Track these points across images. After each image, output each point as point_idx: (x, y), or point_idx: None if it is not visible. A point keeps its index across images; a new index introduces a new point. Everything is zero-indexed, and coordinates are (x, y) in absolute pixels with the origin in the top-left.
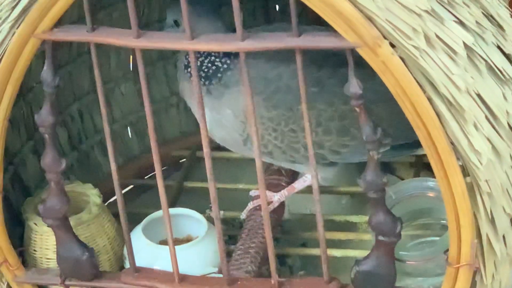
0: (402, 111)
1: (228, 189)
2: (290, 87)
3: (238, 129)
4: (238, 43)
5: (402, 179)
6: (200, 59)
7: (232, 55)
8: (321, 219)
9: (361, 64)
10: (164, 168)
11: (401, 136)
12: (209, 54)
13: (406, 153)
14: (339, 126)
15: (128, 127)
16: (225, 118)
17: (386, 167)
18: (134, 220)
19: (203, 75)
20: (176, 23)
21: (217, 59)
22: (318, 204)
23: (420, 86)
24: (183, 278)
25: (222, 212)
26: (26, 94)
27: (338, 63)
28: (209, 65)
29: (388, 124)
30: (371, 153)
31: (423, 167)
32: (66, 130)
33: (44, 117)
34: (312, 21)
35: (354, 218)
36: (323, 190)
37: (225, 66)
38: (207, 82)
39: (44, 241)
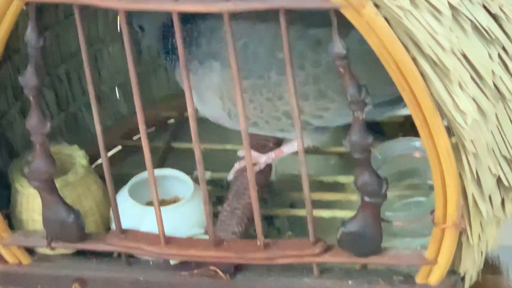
0: (380, 67)
1: (216, 150)
2: (257, 54)
3: (219, 106)
4: (222, 3)
5: (390, 138)
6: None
7: (193, 23)
8: (306, 181)
9: (340, 22)
10: (152, 129)
11: (381, 93)
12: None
13: (389, 110)
14: (315, 89)
15: (116, 88)
16: (206, 98)
17: (374, 128)
18: (122, 181)
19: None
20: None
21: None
22: (304, 166)
23: (405, 46)
24: (169, 239)
25: (209, 173)
26: (13, 56)
27: (306, 25)
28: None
29: (368, 81)
30: (355, 113)
31: (411, 127)
32: (53, 92)
33: (29, 79)
34: None
35: (342, 179)
36: (311, 150)
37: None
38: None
39: (30, 203)
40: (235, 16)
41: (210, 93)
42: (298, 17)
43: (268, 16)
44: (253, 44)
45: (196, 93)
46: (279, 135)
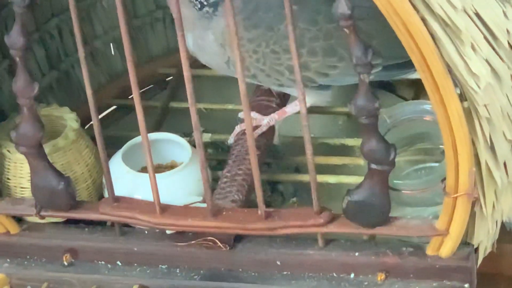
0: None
1: (217, 110)
2: (270, 4)
3: (218, 53)
4: None
5: (402, 99)
6: None
7: None
8: (310, 146)
9: None
10: (149, 87)
11: (394, 55)
12: None
13: (399, 74)
14: (325, 46)
15: (111, 44)
16: (207, 43)
17: (385, 86)
18: (117, 144)
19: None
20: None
21: None
22: (307, 130)
23: (413, 5)
24: (165, 208)
25: (209, 135)
26: (0, 11)
27: None
28: None
29: (378, 42)
30: (361, 76)
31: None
32: (43, 48)
33: (15, 38)
34: None
35: (350, 142)
36: (318, 110)
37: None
38: (200, 11)
39: (19, 169)
40: None
41: (211, 37)
42: None
43: None
44: None
45: (197, 41)
46: (278, 89)
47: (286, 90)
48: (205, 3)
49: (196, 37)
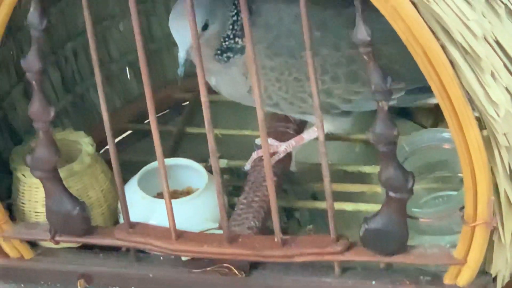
0: None
1: (233, 136)
2: (292, 32)
3: (241, 82)
4: None
5: (421, 126)
6: (227, 40)
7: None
8: (327, 173)
9: (368, 3)
10: (165, 111)
11: (416, 78)
12: (233, 34)
13: (422, 98)
14: (348, 71)
15: (127, 67)
16: (230, 75)
17: (404, 113)
18: (132, 168)
19: (227, 49)
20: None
21: (232, 41)
22: (324, 157)
23: (433, 33)
24: (181, 234)
25: (225, 161)
26: (16, 33)
27: (343, 3)
28: (227, 45)
29: (401, 66)
30: (380, 103)
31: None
32: (59, 72)
33: (31, 62)
34: None
35: (367, 169)
36: (335, 137)
37: (238, 46)
38: (225, 58)
39: (33, 193)
40: None
41: (234, 70)
42: None
43: None
44: (288, 20)
45: (222, 73)
46: (300, 117)
47: (308, 118)
48: (231, 54)
49: (221, 74)
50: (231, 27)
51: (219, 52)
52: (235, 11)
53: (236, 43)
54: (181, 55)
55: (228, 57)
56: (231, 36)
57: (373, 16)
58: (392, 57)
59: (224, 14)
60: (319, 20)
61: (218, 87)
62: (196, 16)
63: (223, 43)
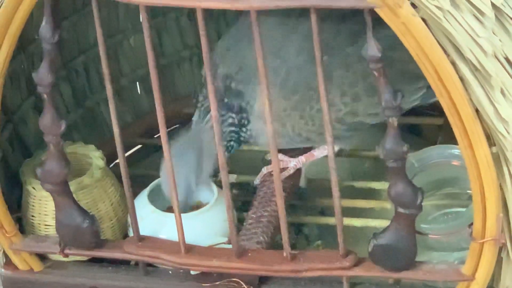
0: None
1: (243, 151)
2: (299, 66)
3: (280, 132)
4: (249, 1)
5: (430, 142)
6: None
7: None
8: (337, 189)
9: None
10: (175, 126)
11: None
12: (233, 127)
13: None
14: (365, 86)
15: (137, 82)
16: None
17: (413, 130)
18: (142, 182)
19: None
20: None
21: (240, 131)
22: (334, 173)
23: (443, 49)
24: (190, 248)
25: (235, 176)
26: (27, 47)
27: (337, 20)
28: (234, 136)
29: (415, 65)
30: (390, 119)
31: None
32: (70, 85)
33: (43, 75)
34: None
35: (376, 185)
36: (344, 153)
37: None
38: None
39: (43, 206)
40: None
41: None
42: (329, 13)
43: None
44: (291, 57)
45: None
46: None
47: (340, 142)
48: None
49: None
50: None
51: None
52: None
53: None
54: (181, 195)
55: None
56: (234, 131)
57: (377, 23)
58: (404, 59)
59: (210, 150)
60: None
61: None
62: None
63: (230, 137)
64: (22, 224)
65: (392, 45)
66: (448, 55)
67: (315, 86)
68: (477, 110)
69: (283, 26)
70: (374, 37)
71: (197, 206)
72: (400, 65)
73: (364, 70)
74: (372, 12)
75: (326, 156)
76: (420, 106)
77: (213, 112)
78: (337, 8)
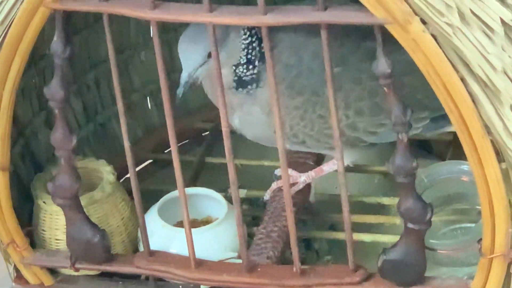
0: None
1: (252, 166)
2: (312, 69)
3: (267, 123)
4: (260, 17)
5: (439, 158)
6: (241, 69)
7: (261, 61)
8: (346, 204)
9: (387, 33)
10: (185, 141)
11: (440, 106)
12: (249, 48)
13: (447, 125)
14: (371, 104)
15: (148, 97)
16: (254, 116)
17: (423, 145)
18: (152, 197)
19: (243, 80)
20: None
21: (250, 72)
22: (344, 188)
23: (453, 65)
24: (200, 263)
25: (245, 191)
26: (38, 62)
27: (361, 36)
28: (249, 71)
29: (423, 95)
30: (400, 135)
31: (461, 146)
32: (81, 100)
33: (54, 90)
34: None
35: (386, 200)
36: (354, 169)
37: (259, 69)
38: (254, 86)
39: (54, 221)
40: (287, 29)
41: (257, 110)
42: (353, 29)
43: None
44: (307, 58)
45: (244, 117)
46: (327, 153)
47: (333, 153)
48: (249, 86)
49: (243, 113)
50: (244, 53)
51: (234, 84)
52: (248, 35)
53: (251, 69)
54: (183, 75)
55: (246, 89)
56: (245, 62)
57: (395, 47)
58: (414, 86)
59: (233, 41)
60: (338, 56)
61: (242, 130)
62: (200, 44)
63: (237, 72)
64: (33, 238)
65: (406, 71)
66: (457, 71)
67: (322, 93)
68: (486, 126)
69: (307, 27)
70: (385, 54)
71: (207, 221)
72: (408, 92)
73: (373, 88)
74: (382, 28)
75: (336, 171)
76: None
77: (224, 127)
78: (347, 24)
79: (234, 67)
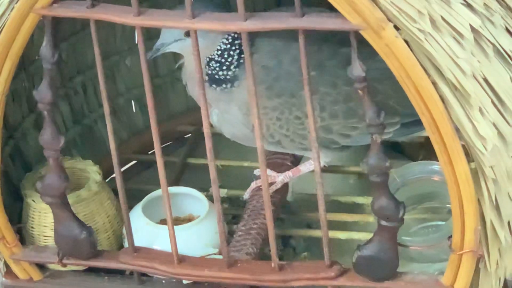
0: None
1: (233, 167)
2: (291, 73)
3: (244, 122)
4: (240, 23)
5: (411, 159)
6: (217, 62)
7: (241, 60)
8: (323, 202)
9: (363, 42)
10: (169, 143)
11: (411, 112)
12: (224, 55)
13: (417, 130)
14: (345, 108)
15: (133, 101)
16: (232, 115)
17: (395, 147)
18: (136, 196)
19: (216, 78)
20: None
21: (223, 73)
22: (320, 187)
23: (425, 70)
24: (182, 259)
25: (225, 190)
26: (28, 67)
27: (338, 43)
28: (222, 72)
29: (395, 101)
30: (374, 136)
31: (433, 148)
32: (68, 104)
33: (43, 93)
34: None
35: (360, 200)
36: (330, 169)
37: (235, 73)
38: (228, 85)
39: (42, 218)
40: (269, 34)
41: (237, 110)
42: (332, 36)
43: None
44: (286, 62)
45: (222, 115)
46: (301, 153)
47: (309, 154)
48: (212, 82)
49: (221, 111)
50: (218, 53)
51: (207, 78)
52: (229, 42)
53: (225, 71)
54: (157, 44)
55: (220, 88)
56: (218, 61)
57: (369, 55)
58: (387, 93)
59: (216, 37)
60: (316, 61)
61: (220, 127)
62: None
63: (210, 65)
64: (23, 235)
65: (380, 79)
66: (429, 75)
67: (299, 95)
68: (456, 128)
69: (288, 32)
70: (360, 59)
71: (189, 219)
72: (382, 98)
73: (348, 93)
74: (357, 34)
75: (313, 172)
76: None
77: (205, 129)
78: (324, 30)
79: (207, 59)
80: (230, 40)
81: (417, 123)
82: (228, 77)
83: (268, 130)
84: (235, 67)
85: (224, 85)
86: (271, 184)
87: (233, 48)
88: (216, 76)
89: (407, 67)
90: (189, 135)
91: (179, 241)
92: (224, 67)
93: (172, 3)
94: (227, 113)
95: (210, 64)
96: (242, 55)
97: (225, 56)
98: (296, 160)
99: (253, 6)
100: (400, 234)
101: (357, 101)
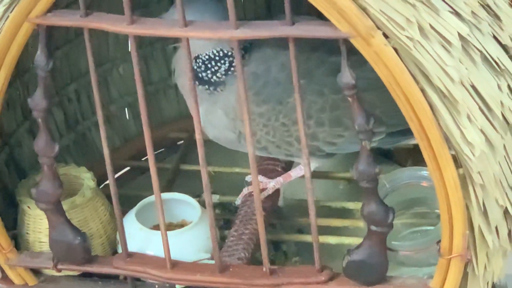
0: None
1: (225, 173)
2: (278, 80)
3: (230, 127)
4: (231, 31)
5: (400, 165)
6: (203, 64)
7: (232, 62)
8: (313, 207)
9: (352, 51)
10: (161, 150)
11: (396, 122)
12: (211, 62)
13: (402, 140)
14: (332, 116)
15: (126, 108)
16: (217, 118)
17: (384, 153)
18: (129, 202)
19: (199, 76)
20: None
21: (219, 70)
22: (311, 193)
23: (413, 77)
24: (175, 264)
25: (217, 196)
26: (23, 75)
27: (327, 52)
28: (206, 73)
29: (382, 111)
30: (363, 142)
31: (421, 153)
32: (62, 111)
33: (38, 101)
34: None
35: (350, 205)
36: (320, 175)
37: (224, 76)
38: (211, 88)
39: (37, 224)
40: (259, 41)
41: (222, 114)
42: (321, 44)
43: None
44: (275, 69)
45: (207, 117)
46: (286, 158)
47: (295, 160)
48: (198, 83)
49: (205, 111)
50: (207, 57)
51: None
52: (221, 54)
53: (211, 75)
54: None
55: (205, 88)
56: (204, 65)
57: (357, 65)
58: (373, 103)
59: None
60: (304, 69)
61: (205, 129)
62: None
63: (197, 61)
64: (18, 241)
65: (368, 88)
66: (417, 82)
67: (286, 103)
68: (445, 134)
69: (278, 40)
70: (350, 66)
71: (182, 224)
72: (368, 107)
73: (335, 102)
74: (347, 43)
75: (303, 177)
76: None
77: (198, 135)
78: (314, 38)
79: (196, 54)
80: (220, 54)
81: (402, 133)
82: (212, 80)
83: (254, 136)
84: (222, 75)
85: (207, 86)
86: (262, 190)
87: (222, 61)
88: (199, 75)
89: (396, 75)
90: (182, 141)
91: (172, 246)
92: (209, 72)
93: (165, 11)
94: (211, 114)
95: (197, 61)
96: (232, 67)
97: (212, 63)
98: (287, 166)
99: (244, 15)
100: (390, 239)
101: (344, 110)
